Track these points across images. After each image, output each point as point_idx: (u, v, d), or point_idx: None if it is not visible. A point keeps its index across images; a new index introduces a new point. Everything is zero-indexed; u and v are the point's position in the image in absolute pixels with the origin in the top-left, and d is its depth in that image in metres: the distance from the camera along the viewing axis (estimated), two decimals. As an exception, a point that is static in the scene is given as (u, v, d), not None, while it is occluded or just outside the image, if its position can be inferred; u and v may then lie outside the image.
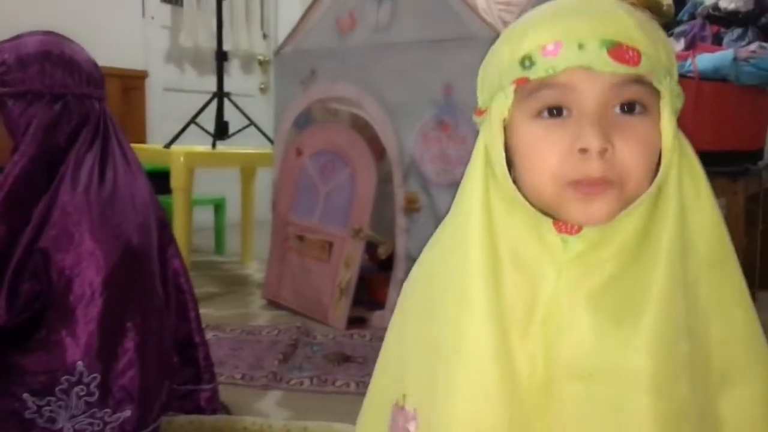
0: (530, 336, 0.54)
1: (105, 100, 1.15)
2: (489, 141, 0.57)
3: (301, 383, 1.56)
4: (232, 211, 3.14)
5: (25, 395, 1.01)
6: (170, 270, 1.23)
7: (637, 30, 0.51)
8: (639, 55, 0.50)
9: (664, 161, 0.53)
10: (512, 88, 0.53)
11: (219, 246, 3.21)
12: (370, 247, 2.24)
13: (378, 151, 2.02)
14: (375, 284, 2.17)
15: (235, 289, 2.51)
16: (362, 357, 1.74)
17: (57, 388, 1.01)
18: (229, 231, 3.23)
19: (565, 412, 0.53)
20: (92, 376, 1.03)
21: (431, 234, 0.66)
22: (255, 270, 2.78)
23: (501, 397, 0.53)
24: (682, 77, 1.76)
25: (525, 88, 0.53)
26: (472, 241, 0.56)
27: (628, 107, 0.52)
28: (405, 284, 0.67)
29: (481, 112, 0.59)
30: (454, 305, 0.57)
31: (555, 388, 0.53)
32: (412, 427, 0.59)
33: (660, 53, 0.52)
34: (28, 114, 1.05)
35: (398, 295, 2.13)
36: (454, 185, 2.03)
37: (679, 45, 2.22)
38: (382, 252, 2.08)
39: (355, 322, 2.01)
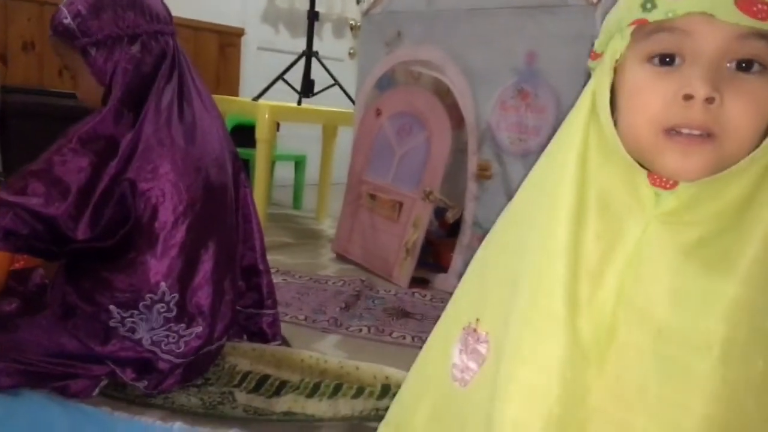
0: (604, 285, 0.54)
1: (176, 35, 1.20)
2: (598, 86, 0.56)
3: (360, 330, 1.63)
4: (312, 171, 3.24)
5: (111, 306, 1.11)
6: (240, 198, 1.30)
7: None
8: None
9: None
10: (630, 29, 0.53)
11: (297, 201, 3.33)
12: (441, 213, 2.27)
13: (457, 118, 2.03)
14: (441, 248, 2.20)
15: (308, 241, 2.60)
16: (421, 314, 1.78)
17: (141, 304, 1.11)
18: (308, 190, 3.34)
19: (624, 361, 0.53)
20: (173, 295, 1.12)
21: (500, 202, 0.67)
22: (328, 226, 2.87)
23: (563, 338, 0.54)
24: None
25: (642, 30, 0.53)
26: (564, 185, 0.56)
27: (746, 64, 0.50)
28: (498, 220, 0.69)
29: (596, 56, 0.58)
30: (536, 244, 0.58)
31: (619, 337, 0.53)
32: (482, 348, 0.62)
33: None
34: (112, 59, 1.11)
35: (463, 260, 2.15)
36: (528, 155, 2.02)
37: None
38: (450, 216, 2.11)
39: (418, 282, 2.06)
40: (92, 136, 1.10)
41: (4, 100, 2.50)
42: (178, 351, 1.14)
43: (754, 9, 0.48)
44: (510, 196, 0.68)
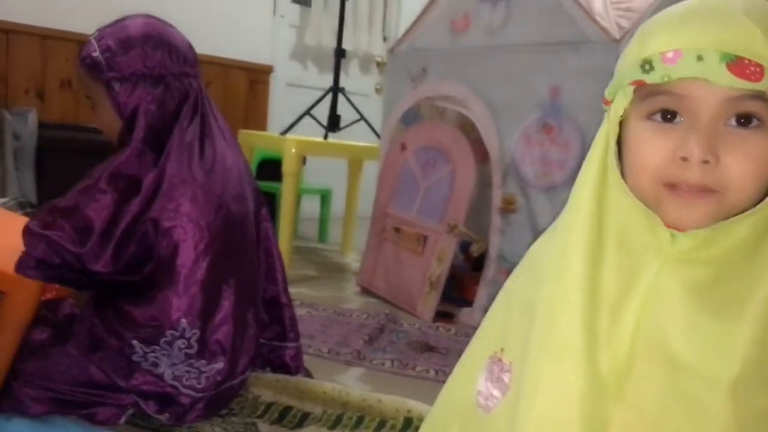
0: (622, 318, 0.56)
1: (199, 77, 1.22)
2: (609, 132, 0.59)
3: (383, 364, 1.62)
4: (338, 205, 3.28)
5: (134, 341, 1.13)
6: (261, 233, 1.32)
7: (764, 44, 0.50)
8: (762, 70, 0.49)
9: None
10: (631, 88, 0.55)
11: (322, 235, 3.36)
12: (466, 246, 2.27)
13: (481, 153, 2.05)
14: (466, 282, 2.19)
15: (333, 274, 2.62)
16: (445, 348, 1.77)
17: (162, 340, 1.12)
18: (333, 223, 3.36)
19: (642, 393, 0.55)
20: (193, 332, 1.13)
21: (525, 236, 0.69)
22: (353, 260, 2.88)
23: (583, 370, 0.55)
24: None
25: (642, 90, 0.55)
26: (579, 221, 0.59)
27: (745, 120, 0.52)
28: (527, 252, 0.71)
29: (607, 102, 0.61)
30: (551, 277, 0.60)
31: (638, 369, 0.55)
32: (506, 377, 0.64)
33: None
34: (134, 96, 1.13)
35: (488, 294, 2.13)
36: (552, 189, 2.02)
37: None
38: (474, 250, 2.11)
39: (443, 316, 2.05)
40: (116, 176, 1.12)
41: (41, 136, 2.59)
42: (198, 386, 1.15)
43: (747, 72, 0.49)
44: (535, 230, 0.69)
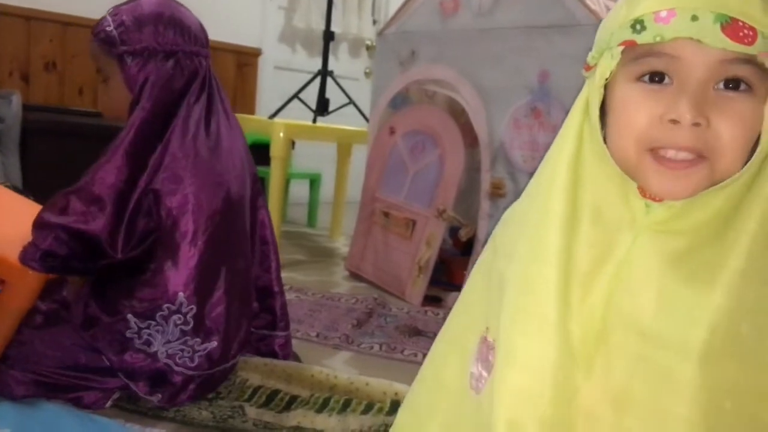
0: (595, 289, 0.56)
1: (209, 58, 1.24)
2: (591, 96, 0.58)
3: (371, 348, 1.62)
4: (327, 190, 3.27)
5: (129, 315, 1.12)
6: (258, 220, 1.32)
7: (759, 7, 0.49)
8: (755, 34, 0.49)
9: (761, 144, 0.52)
10: (620, 49, 0.54)
11: (311, 219, 3.35)
12: (455, 231, 2.27)
13: (471, 137, 2.04)
14: (454, 267, 2.20)
15: (322, 259, 2.61)
16: (433, 332, 1.76)
17: (158, 314, 1.12)
18: (322, 208, 3.36)
19: (611, 364, 0.55)
20: (190, 307, 1.13)
21: None
22: (342, 244, 2.88)
23: (555, 341, 0.55)
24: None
25: (632, 52, 0.53)
26: (555, 194, 0.58)
27: (733, 84, 0.51)
28: (497, 226, 0.70)
29: (589, 68, 0.59)
30: (525, 250, 0.59)
31: (608, 339, 0.55)
32: (491, 356, 0.63)
33: None
34: (145, 70, 1.14)
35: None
36: (541, 173, 1.96)
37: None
38: (463, 234, 2.11)
39: (431, 300, 2.05)
40: (128, 152, 1.12)
41: (25, 119, 2.55)
42: (191, 365, 1.15)
43: (741, 34, 0.49)
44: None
